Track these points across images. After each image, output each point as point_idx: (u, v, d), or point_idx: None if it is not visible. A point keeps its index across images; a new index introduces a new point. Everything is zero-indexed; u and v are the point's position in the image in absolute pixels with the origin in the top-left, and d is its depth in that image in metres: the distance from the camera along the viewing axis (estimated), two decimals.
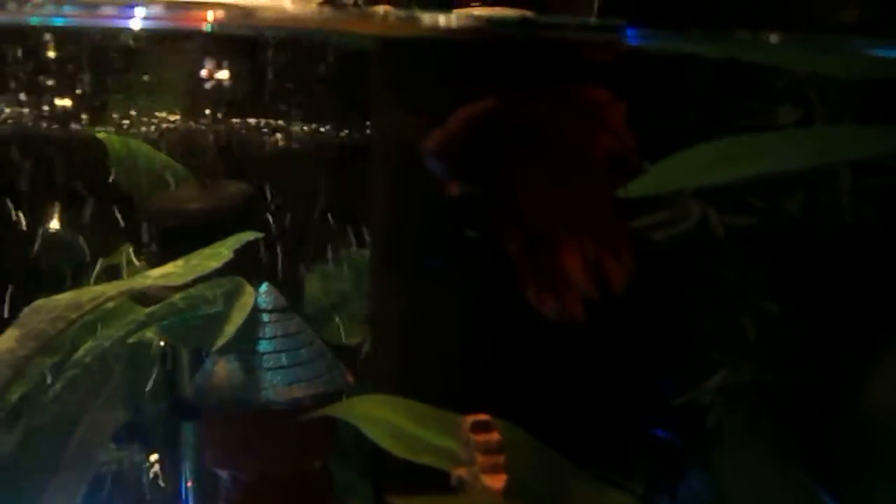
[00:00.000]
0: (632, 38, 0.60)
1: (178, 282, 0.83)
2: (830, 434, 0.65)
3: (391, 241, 0.99)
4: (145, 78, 1.10)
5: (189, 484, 1.04)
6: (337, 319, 1.07)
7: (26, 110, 1.08)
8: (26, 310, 0.81)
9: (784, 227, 0.69)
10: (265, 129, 1.14)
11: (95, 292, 0.83)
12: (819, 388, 0.66)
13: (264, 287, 0.90)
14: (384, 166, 0.99)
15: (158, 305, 0.90)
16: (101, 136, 1.07)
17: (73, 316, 0.84)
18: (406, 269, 0.95)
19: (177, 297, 0.91)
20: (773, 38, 0.46)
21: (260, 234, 0.89)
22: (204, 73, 1.05)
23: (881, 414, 0.65)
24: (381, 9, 0.79)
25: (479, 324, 0.88)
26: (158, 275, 0.86)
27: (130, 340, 0.95)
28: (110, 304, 0.88)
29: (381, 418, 0.76)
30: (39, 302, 0.81)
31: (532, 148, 0.71)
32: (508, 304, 0.85)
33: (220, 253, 0.86)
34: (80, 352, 0.90)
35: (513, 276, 0.82)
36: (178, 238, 0.99)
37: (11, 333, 0.82)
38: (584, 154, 0.68)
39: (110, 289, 0.83)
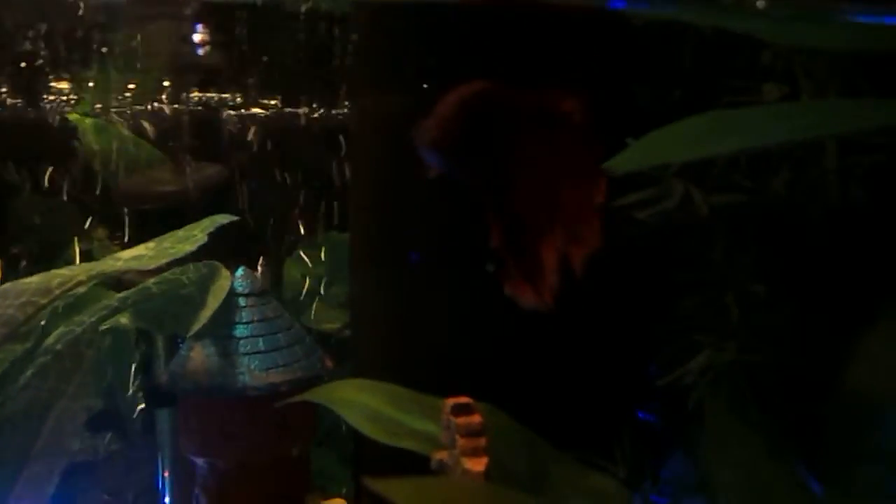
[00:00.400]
0: (617, 2, 0.58)
1: (151, 265, 0.81)
2: (813, 414, 0.64)
3: (371, 224, 0.97)
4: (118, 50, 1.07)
5: (166, 474, 1.02)
6: (316, 304, 1.05)
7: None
8: None
9: (769, 207, 0.68)
10: (236, 107, 1.11)
11: (65, 276, 0.80)
12: (802, 368, 0.65)
13: (241, 271, 0.88)
14: (363, 146, 0.97)
15: (132, 290, 0.88)
16: (72, 117, 1.04)
17: (43, 301, 0.81)
18: (386, 253, 0.93)
19: (151, 281, 0.88)
20: (760, 3, 0.45)
21: (234, 217, 0.86)
22: (178, 44, 1.02)
23: (863, 394, 0.64)
24: None
25: (461, 307, 0.86)
26: (129, 257, 0.84)
27: (105, 327, 0.93)
28: (82, 289, 0.86)
29: (361, 403, 0.74)
30: (6, 286, 0.79)
31: (516, 138, 0.70)
32: (490, 288, 0.84)
33: (194, 236, 0.83)
34: (52, 338, 0.87)
35: (494, 261, 0.81)
36: (152, 221, 0.97)
37: None
38: (559, 149, 0.66)
39: (80, 272, 0.81)
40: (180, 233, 0.84)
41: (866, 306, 0.64)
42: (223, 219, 0.86)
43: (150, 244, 0.85)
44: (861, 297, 0.65)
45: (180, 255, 0.82)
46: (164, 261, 0.81)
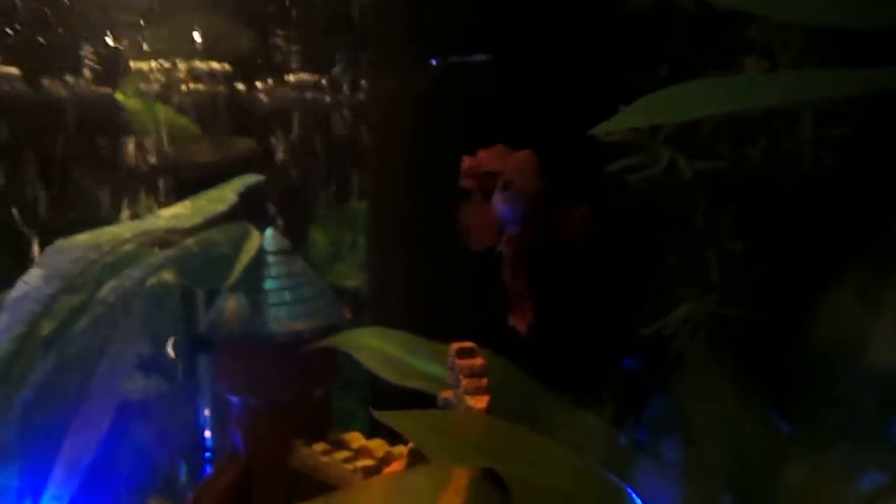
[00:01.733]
0: None
1: (188, 224, 0.81)
2: (784, 362, 0.63)
3: (387, 193, 0.96)
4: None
5: (206, 412, 1.03)
6: (338, 264, 1.05)
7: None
8: (48, 250, 0.78)
9: (747, 173, 0.66)
10: (265, 82, 1.09)
11: (113, 233, 0.80)
12: (775, 319, 0.64)
13: (269, 231, 0.88)
14: (381, 118, 0.95)
15: (173, 249, 0.88)
16: (118, 96, 1.03)
17: (94, 256, 0.81)
18: (400, 219, 0.93)
19: (190, 241, 0.88)
20: None
21: (261, 177, 0.85)
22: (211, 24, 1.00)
23: (829, 344, 0.63)
24: None
25: (465, 266, 0.85)
26: (170, 215, 0.83)
27: (151, 282, 0.93)
28: (129, 247, 0.85)
29: (375, 347, 0.74)
30: (60, 242, 0.79)
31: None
32: (491, 249, 0.83)
33: (226, 196, 0.83)
34: (104, 290, 0.88)
35: None
36: (192, 190, 0.96)
37: (37, 273, 0.79)
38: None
39: (125, 230, 0.81)
40: (213, 192, 0.84)
41: (834, 263, 0.62)
42: (251, 178, 0.85)
43: (187, 203, 0.84)
44: (829, 255, 0.63)
45: (215, 213, 0.81)
46: (200, 219, 0.81)
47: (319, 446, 0.82)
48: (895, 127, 0.61)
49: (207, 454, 1.04)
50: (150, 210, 1.03)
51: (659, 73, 0.66)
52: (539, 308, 0.78)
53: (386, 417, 0.43)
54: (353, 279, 1.04)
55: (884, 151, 0.62)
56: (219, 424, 1.02)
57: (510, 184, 0.58)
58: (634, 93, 0.51)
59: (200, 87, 1.05)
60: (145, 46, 1.05)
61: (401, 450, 0.79)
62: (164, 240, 0.87)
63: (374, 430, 0.91)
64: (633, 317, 0.70)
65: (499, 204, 0.60)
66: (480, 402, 0.60)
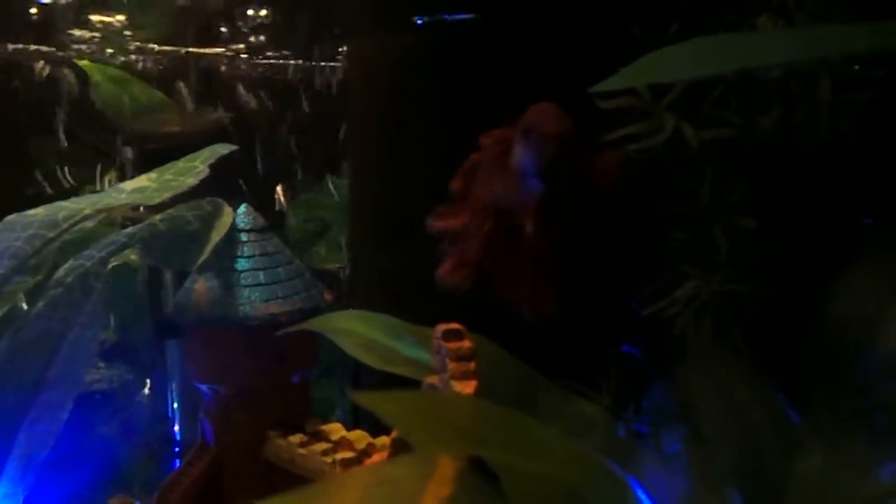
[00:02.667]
0: None
1: (154, 199, 0.76)
2: (796, 346, 0.60)
3: (368, 170, 0.91)
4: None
5: (175, 405, 0.98)
6: (318, 245, 1.01)
7: None
8: None
9: (758, 143, 0.62)
10: (241, 54, 1.04)
11: (70, 209, 0.75)
12: (787, 300, 0.61)
13: (243, 208, 0.83)
14: (361, 93, 0.91)
15: (139, 226, 0.83)
16: (82, 63, 0.98)
17: (51, 234, 0.77)
18: (382, 198, 0.88)
19: (157, 218, 0.84)
20: None
21: (233, 147, 0.81)
22: None
23: (845, 327, 0.60)
24: None
25: None
26: (132, 188, 0.78)
27: (115, 263, 0.88)
28: (89, 224, 0.81)
29: (357, 331, 0.70)
30: (11, 218, 0.74)
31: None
32: None
33: (195, 167, 0.78)
34: (62, 271, 0.83)
35: None
36: (159, 163, 0.91)
37: None
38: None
39: (85, 205, 0.76)
40: (181, 164, 0.79)
41: (850, 241, 0.59)
42: (222, 149, 0.81)
43: (152, 175, 0.79)
44: (846, 233, 0.60)
45: (183, 188, 0.77)
46: (167, 194, 0.76)
47: (296, 437, 0.78)
48: None
49: (176, 447, 1.00)
50: (111, 183, 0.98)
51: (667, 34, 0.62)
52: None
53: (365, 400, 0.39)
54: (334, 260, 1.00)
55: None
56: (188, 415, 0.97)
57: (531, 129, 0.50)
58: (640, 55, 0.47)
59: (168, 54, 1.00)
60: (112, 14, 1.00)
61: (383, 441, 0.75)
62: (128, 216, 0.83)
63: (355, 420, 0.87)
64: (633, 298, 0.66)
65: (520, 156, 0.51)
66: (468, 387, 0.56)
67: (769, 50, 0.46)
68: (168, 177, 0.78)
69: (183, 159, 0.80)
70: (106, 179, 0.98)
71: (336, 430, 0.79)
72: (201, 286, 0.80)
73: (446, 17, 0.75)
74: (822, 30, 0.51)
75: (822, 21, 0.57)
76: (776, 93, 0.62)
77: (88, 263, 0.82)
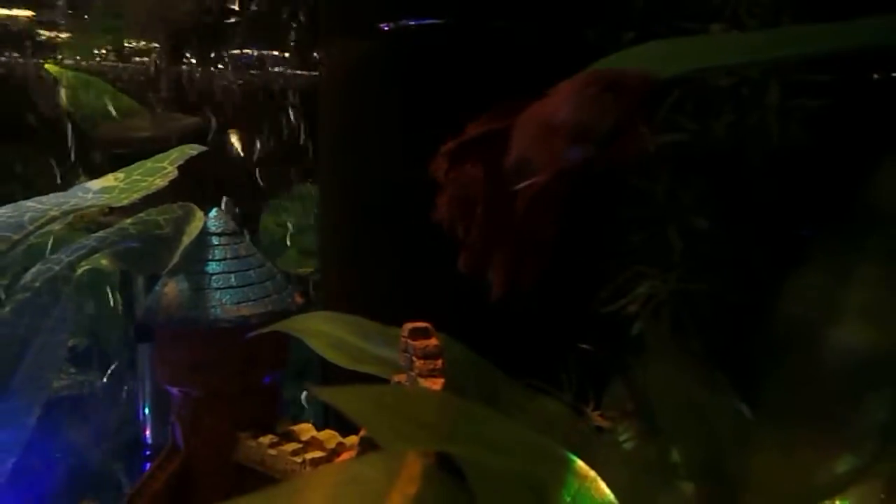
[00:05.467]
0: None
1: (123, 200, 0.75)
2: (749, 342, 0.61)
3: (337, 177, 0.91)
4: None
5: (146, 409, 0.96)
6: (290, 250, 1.00)
7: None
8: None
9: (711, 147, 0.64)
10: (215, 61, 1.03)
11: (35, 209, 0.73)
12: (740, 298, 0.62)
13: (214, 212, 0.82)
14: (332, 101, 0.91)
15: (109, 230, 0.82)
16: (51, 68, 0.96)
17: (17, 237, 0.75)
18: (351, 204, 0.88)
19: (128, 222, 0.82)
20: None
21: (203, 148, 0.79)
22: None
23: (794, 324, 0.61)
24: None
25: (417, 249, 0.82)
26: (99, 188, 0.77)
27: (85, 267, 0.86)
28: (56, 226, 0.79)
29: (326, 332, 0.70)
30: None
31: None
32: (442, 232, 0.79)
33: (164, 168, 0.77)
34: (28, 275, 0.81)
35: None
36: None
37: None
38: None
39: (50, 206, 0.74)
40: (148, 164, 0.78)
41: (801, 241, 0.61)
42: (192, 150, 0.79)
43: (119, 174, 0.78)
44: (796, 232, 0.62)
45: (152, 190, 0.75)
46: (136, 196, 0.75)
47: (266, 439, 0.77)
48: (870, 95, 0.59)
49: (146, 451, 0.98)
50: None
51: (623, 40, 0.63)
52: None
53: (328, 395, 0.39)
54: (306, 265, 1.00)
55: (857, 122, 0.61)
56: (159, 419, 0.96)
57: (605, 77, 0.44)
58: (597, 60, 0.48)
59: (142, 60, 0.99)
60: (80, 16, 0.99)
61: (353, 440, 0.74)
62: (96, 220, 0.81)
63: (326, 420, 0.86)
64: (592, 297, 0.67)
65: (582, 109, 0.45)
66: (435, 385, 0.56)
67: (722, 53, 0.47)
68: (136, 177, 0.77)
69: (151, 159, 0.78)
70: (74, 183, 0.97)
71: (306, 430, 0.78)
72: (172, 289, 0.78)
73: (415, 23, 0.75)
74: (773, 33, 0.53)
75: (773, 27, 0.59)
76: (728, 98, 0.63)
77: (57, 267, 0.80)
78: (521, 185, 0.49)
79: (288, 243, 1.03)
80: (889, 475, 0.56)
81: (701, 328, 0.64)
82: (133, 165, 0.77)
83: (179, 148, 0.79)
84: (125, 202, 0.75)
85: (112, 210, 0.82)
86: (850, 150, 0.60)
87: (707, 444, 0.61)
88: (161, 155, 0.78)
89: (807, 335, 0.61)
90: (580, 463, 0.49)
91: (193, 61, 1.00)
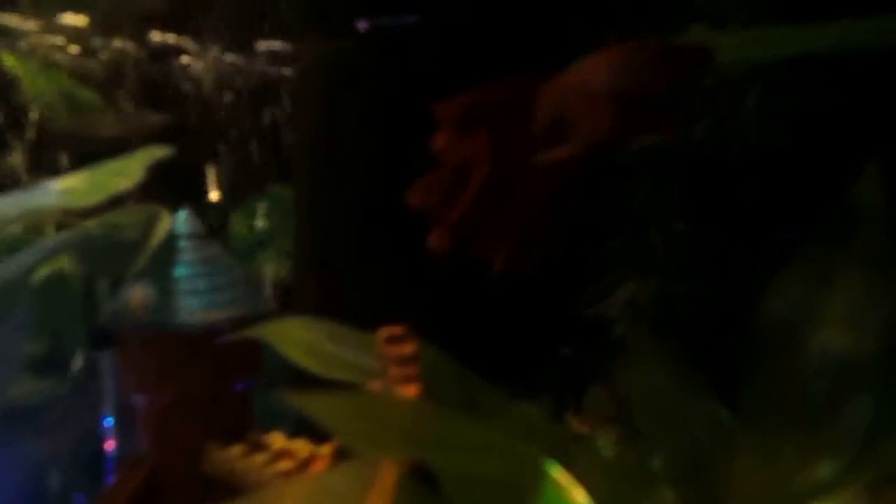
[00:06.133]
0: None
1: (86, 202, 0.72)
2: (731, 346, 0.60)
3: (312, 178, 0.89)
4: None
5: (109, 419, 0.92)
6: (263, 253, 0.98)
7: None
8: None
9: (692, 150, 0.63)
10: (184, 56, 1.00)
11: None
12: (721, 300, 0.62)
13: (182, 214, 0.80)
14: (306, 102, 0.89)
15: (71, 232, 0.79)
16: (10, 61, 0.92)
17: None
18: (325, 205, 0.86)
19: (91, 223, 0.79)
20: None
21: (170, 151, 0.77)
22: None
23: (775, 327, 0.61)
24: None
25: (393, 253, 0.80)
26: (62, 189, 0.74)
27: (46, 271, 0.83)
28: (16, 228, 0.76)
29: (298, 337, 0.67)
30: None
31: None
32: (420, 235, 0.78)
33: (130, 170, 0.74)
34: None
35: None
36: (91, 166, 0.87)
37: None
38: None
39: (9, 206, 0.71)
40: (114, 164, 0.75)
41: (782, 243, 0.60)
42: (159, 151, 0.77)
43: (83, 175, 0.75)
44: (778, 235, 0.61)
45: (117, 191, 0.73)
46: (100, 197, 0.72)
47: (236, 448, 0.74)
48: (849, 96, 0.59)
49: (110, 462, 0.94)
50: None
51: (604, 41, 0.63)
52: (473, 293, 0.72)
53: (299, 401, 0.37)
54: (279, 268, 0.97)
55: (836, 123, 0.60)
56: (123, 429, 0.92)
57: (660, 46, 0.43)
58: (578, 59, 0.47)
59: (106, 55, 0.96)
60: (47, 13, 0.95)
61: (327, 449, 0.72)
62: (58, 221, 0.78)
63: (299, 428, 0.84)
64: (573, 300, 0.66)
65: (636, 74, 0.43)
66: (410, 391, 0.54)
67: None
68: (101, 178, 0.74)
69: (116, 159, 0.76)
70: (34, 183, 0.93)
71: (277, 439, 0.75)
72: (137, 293, 0.76)
73: (390, 22, 0.74)
74: (755, 33, 0.52)
75: (753, 27, 0.59)
76: (708, 100, 0.63)
77: (14, 271, 0.77)
78: (554, 151, 0.46)
79: (261, 246, 1.01)
80: (869, 479, 0.55)
81: (682, 331, 0.63)
82: (97, 166, 0.75)
83: (146, 150, 0.76)
84: (89, 204, 0.72)
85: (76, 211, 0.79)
86: (831, 151, 0.60)
87: (688, 449, 0.61)
88: (128, 156, 0.75)
89: (788, 338, 0.60)
90: (558, 469, 0.47)
91: (163, 57, 0.98)
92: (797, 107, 0.59)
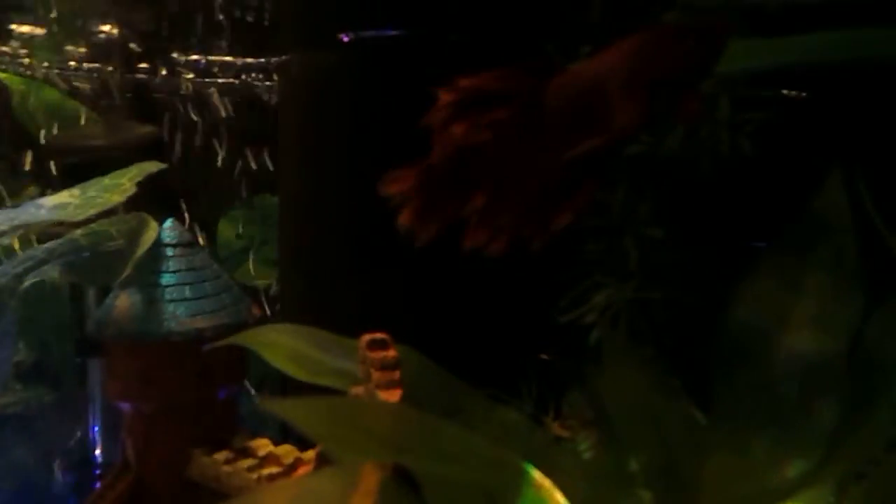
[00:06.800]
0: None
1: (78, 217, 0.72)
2: (704, 349, 0.62)
3: (298, 187, 0.90)
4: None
5: (96, 427, 0.93)
6: (250, 261, 0.98)
7: None
8: None
9: (665, 159, 0.65)
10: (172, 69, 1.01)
11: None
12: (694, 305, 0.63)
13: (169, 222, 0.80)
14: (292, 112, 0.90)
15: (59, 241, 0.79)
16: (1, 75, 0.93)
17: None
18: (311, 214, 0.87)
19: (78, 233, 0.80)
20: None
21: (163, 165, 0.78)
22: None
23: (746, 331, 0.62)
24: None
25: (377, 262, 0.81)
26: (53, 205, 0.74)
27: (34, 280, 0.83)
28: (6, 240, 0.76)
29: (283, 344, 0.68)
30: None
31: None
32: (403, 243, 0.79)
33: (122, 185, 0.74)
34: None
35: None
36: (82, 178, 0.87)
37: None
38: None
39: (1, 220, 0.71)
40: (106, 180, 0.76)
41: (753, 250, 0.62)
42: (152, 167, 0.77)
43: (75, 191, 0.76)
44: (747, 241, 0.63)
45: (108, 206, 0.73)
46: (91, 212, 0.72)
47: (221, 455, 0.75)
48: (815, 108, 0.61)
49: (97, 470, 0.94)
50: (31, 198, 0.93)
51: (579, 54, 0.64)
52: (455, 301, 0.73)
53: (280, 408, 0.38)
54: (265, 277, 0.98)
55: (801, 135, 0.62)
56: (110, 436, 0.92)
57: (684, 27, 0.43)
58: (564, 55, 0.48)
59: (96, 67, 0.96)
60: (35, 26, 0.96)
61: (311, 455, 0.73)
62: (48, 232, 0.78)
63: (285, 435, 0.84)
64: (551, 306, 0.67)
65: (667, 57, 0.44)
66: (393, 396, 0.55)
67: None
68: (92, 193, 0.75)
69: (109, 176, 0.76)
70: (25, 196, 0.93)
71: (263, 445, 0.76)
72: (124, 301, 0.76)
73: (374, 34, 0.75)
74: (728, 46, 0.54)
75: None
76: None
77: (2, 279, 0.77)
78: (587, 142, 0.46)
79: (247, 254, 1.01)
80: (838, 478, 0.57)
81: (657, 336, 0.65)
82: (89, 182, 0.75)
83: (139, 165, 0.77)
84: (80, 218, 0.72)
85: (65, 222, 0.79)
86: (798, 161, 0.62)
87: (663, 451, 0.62)
88: (119, 171, 0.76)
89: (758, 342, 0.62)
90: (536, 473, 0.48)
91: (151, 68, 0.98)
92: (766, 118, 0.61)
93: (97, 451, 0.93)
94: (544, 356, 0.70)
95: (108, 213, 0.79)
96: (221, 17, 1.01)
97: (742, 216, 0.64)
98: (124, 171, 0.80)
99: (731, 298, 0.60)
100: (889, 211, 0.57)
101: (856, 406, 0.59)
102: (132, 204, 0.80)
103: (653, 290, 0.63)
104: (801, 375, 0.59)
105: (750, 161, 0.64)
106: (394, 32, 0.73)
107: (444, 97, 0.53)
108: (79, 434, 0.95)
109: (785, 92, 0.62)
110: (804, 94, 0.62)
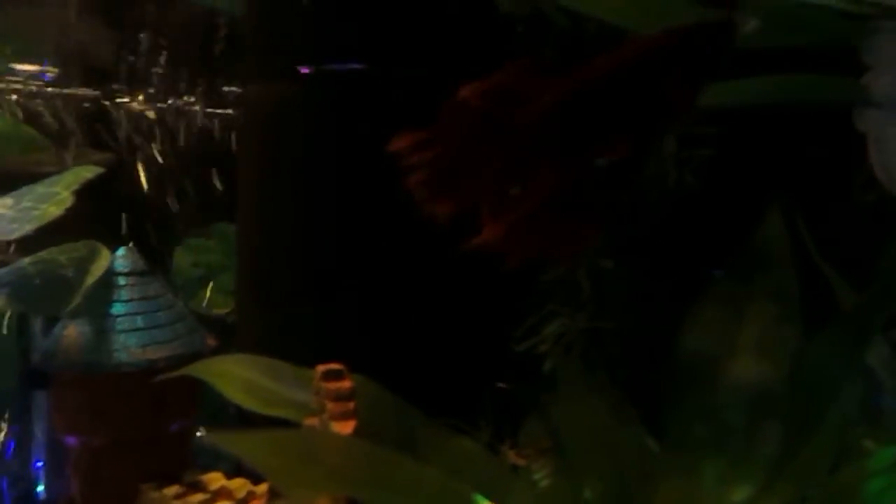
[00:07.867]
0: None
1: (15, 233, 0.69)
2: (655, 378, 0.63)
3: (256, 215, 0.89)
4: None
5: (40, 462, 0.88)
6: (207, 290, 0.96)
7: None
8: None
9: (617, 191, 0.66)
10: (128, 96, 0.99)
11: None
12: (644, 334, 0.64)
13: (122, 251, 0.78)
14: (250, 139, 0.90)
15: (5, 269, 0.76)
16: None
17: None
18: (269, 243, 0.86)
19: (27, 261, 0.77)
20: None
21: (100, 170, 0.74)
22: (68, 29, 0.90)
23: (694, 359, 0.63)
24: None
25: (333, 292, 0.81)
26: None
27: None
28: None
29: (237, 375, 0.67)
30: None
31: None
32: (360, 273, 0.78)
33: (57, 194, 0.70)
34: None
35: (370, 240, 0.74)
36: None
37: None
38: None
39: None
40: (39, 188, 0.71)
41: (699, 279, 0.63)
42: (88, 172, 0.74)
43: (7, 201, 0.71)
44: (694, 271, 0.65)
45: (46, 220, 0.69)
46: (29, 227, 0.69)
47: (171, 489, 0.72)
48: (756, 146, 0.63)
49: None
50: None
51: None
52: (411, 330, 0.73)
53: (225, 441, 0.37)
54: (223, 306, 0.96)
55: (742, 170, 0.65)
56: (54, 472, 0.88)
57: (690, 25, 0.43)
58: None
59: (52, 93, 0.94)
60: None
61: (264, 488, 0.71)
62: None
63: (238, 468, 0.82)
64: (508, 336, 0.67)
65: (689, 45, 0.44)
66: (347, 427, 0.54)
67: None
68: (27, 204, 0.71)
69: (41, 183, 0.72)
70: None
71: (215, 479, 0.74)
72: (72, 332, 0.73)
73: (334, 66, 0.75)
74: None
75: None
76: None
77: None
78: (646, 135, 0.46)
79: (204, 283, 0.99)
80: (784, 502, 0.58)
81: (610, 365, 0.65)
82: (21, 190, 0.71)
83: (73, 170, 0.73)
84: (16, 234, 0.69)
85: (10, 246, 0.76)
86: (741, 195, 0.64)
87: (617, 478, 0.62)
88: (53, 178, 0.71)
89: (706, 369, 0.63)
90: None
91: (107, 96, 0.97)
92: (709, 155, 0.63)
93: (40, 489, 0.89)
94: (501, 385, 0.70)
95: (56, 239, 0.76)
96: (180, 45, 1.00)
97: (689, 247, 0.66)
98: (58, 177, 0.75)
99: (680, 326, 0.62)
100: (823, 242, 0.59)
101: (799, 431, 0.60)
102: (85, 231, 0.77)
103: (605, 319, 0.64)
104: (747, 401, 0.61)
105: (695, 195, 0.66)
106: (353, 66, 0.74)
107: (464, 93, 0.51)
108: (21, 469, 0.90)
109: (727, 130, 0.64)
110: (746, 133, 0.65)
